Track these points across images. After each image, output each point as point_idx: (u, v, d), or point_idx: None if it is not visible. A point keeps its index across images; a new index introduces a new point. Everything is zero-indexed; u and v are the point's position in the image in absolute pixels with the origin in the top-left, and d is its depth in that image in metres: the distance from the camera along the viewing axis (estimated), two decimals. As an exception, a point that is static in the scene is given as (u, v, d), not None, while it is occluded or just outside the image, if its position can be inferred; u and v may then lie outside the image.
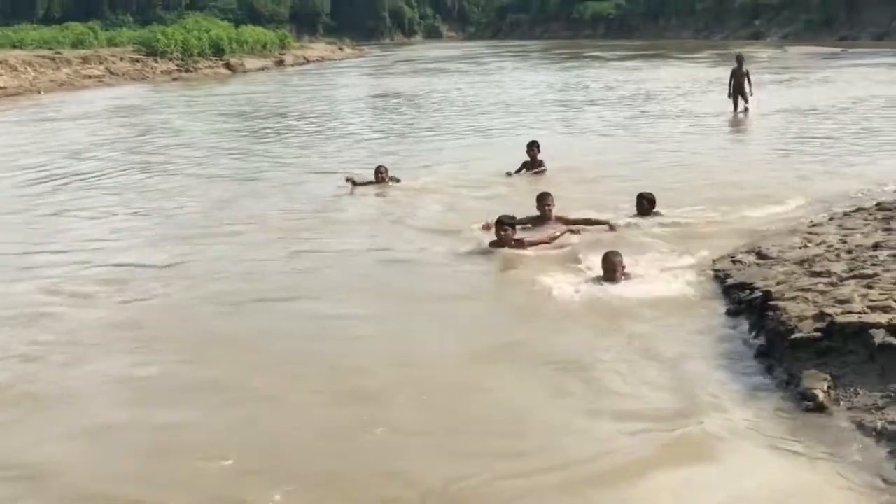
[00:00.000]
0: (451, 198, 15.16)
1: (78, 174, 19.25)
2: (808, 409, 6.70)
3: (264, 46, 67.83)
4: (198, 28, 61.26)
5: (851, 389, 6.76)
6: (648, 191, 12.88)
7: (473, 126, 25.85)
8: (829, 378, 6.89)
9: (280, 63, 66.16)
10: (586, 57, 62.01)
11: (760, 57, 52.59)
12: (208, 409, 7.21)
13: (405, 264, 11.42)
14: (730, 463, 6.11)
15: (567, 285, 9.88)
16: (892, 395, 6.52)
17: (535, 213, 12.35)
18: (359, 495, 5.87)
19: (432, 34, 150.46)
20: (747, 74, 25.46)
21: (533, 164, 16.74)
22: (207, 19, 70.51)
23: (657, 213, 12.66)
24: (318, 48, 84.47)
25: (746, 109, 25.23)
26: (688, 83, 37.45)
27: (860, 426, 6.36)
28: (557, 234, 11.66)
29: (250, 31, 68.90)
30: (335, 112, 31.44)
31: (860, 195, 14.16)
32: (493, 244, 11.41)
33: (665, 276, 10.21)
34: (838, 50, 56.87)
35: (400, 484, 5.99)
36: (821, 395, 6.74)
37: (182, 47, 57.05)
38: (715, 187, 15.19)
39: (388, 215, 14.26)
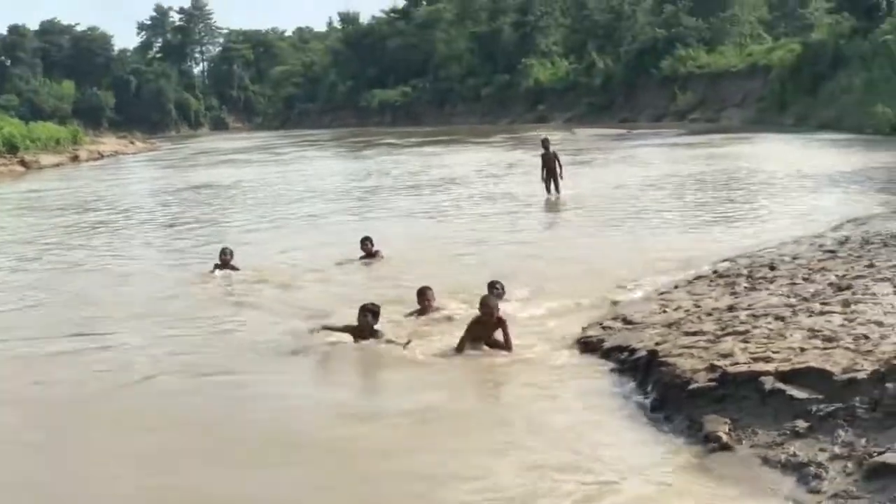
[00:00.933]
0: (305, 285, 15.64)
1: None
2: (713, 450, 7.62)
3: (57, 142, 66.58)
4: (-11, 126, 59.85)
5: (750, 430, 7.73)
6: (494, 279, 12.84)
7: (294, 214, 26.35)
8: (728, 421, 7.84)
9: (75, 158, 65.01)
10: (382, 144, 63.33)
11: (553, 139, 54.71)
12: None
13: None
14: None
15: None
16: (788, 432, 7.49)
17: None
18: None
19: (219, 125, 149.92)
20: (556, 157, 26.12)
21: (369, 256, 17.05)
22: (-1, 117, 68.89)
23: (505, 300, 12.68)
24: (110, 143, 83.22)
25: (558, 191, 26.00)
26: (492, 167, 38.86)
27: (765, 460, 7.31)
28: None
29: (42, 128, 67.60)
30: (155, 204, 31.38)
31: (689, 263, 15.29)
32: (352, 331, 11.31)
33: (543, 346, 11.08)
34: (624, 131, 59.93)
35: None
36: (724, 436, 7.68)
37: (-28, 146, 55.63)
38: (554, 266, 16.10)
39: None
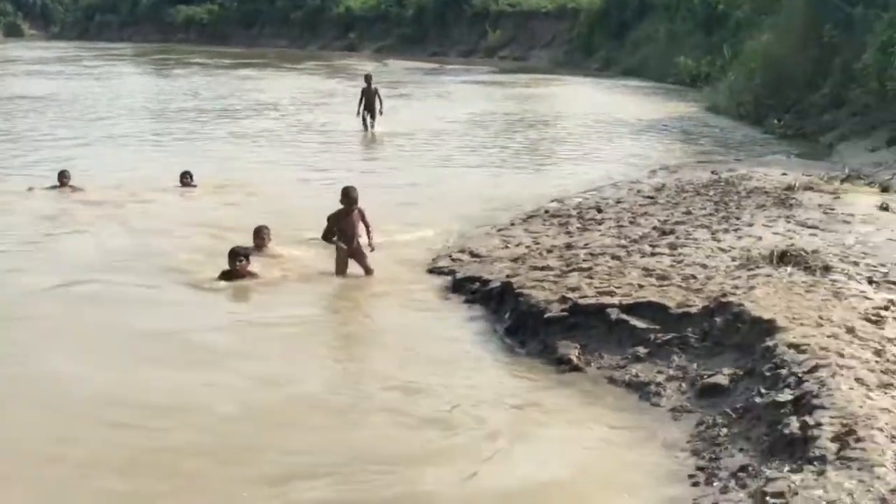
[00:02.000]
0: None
1: None
2: (564, 371, 8.84)
3: None
4: None
5: (597, 354, 8.99)
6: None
7: (115, 132, 26.40)
8: (578, 346, 9.07)
9: None
10: (192, 63, 62.54)
11: (365, 69, 55.41)
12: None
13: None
14: (512, 414, 8.04)
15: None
16: (630, 356, 8.78)
17: None
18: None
19: (13, 32, 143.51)
20: (377, 93, 26.62)
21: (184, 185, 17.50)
22: None
23: None
24: None
25: (373, 127, 26.44)
26: (309, 95, 39.26)
27: (611, 380, 8.59)
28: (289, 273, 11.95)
29: None
30: None
31: (513, 202, 16.50)
32: (224, 276, 11.47)
33: (396, 273, 12.14)
34: (436, 66, 60.82)
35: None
36: (575, 359, 8.92)
37: None
38: (387, 200, 16.83)
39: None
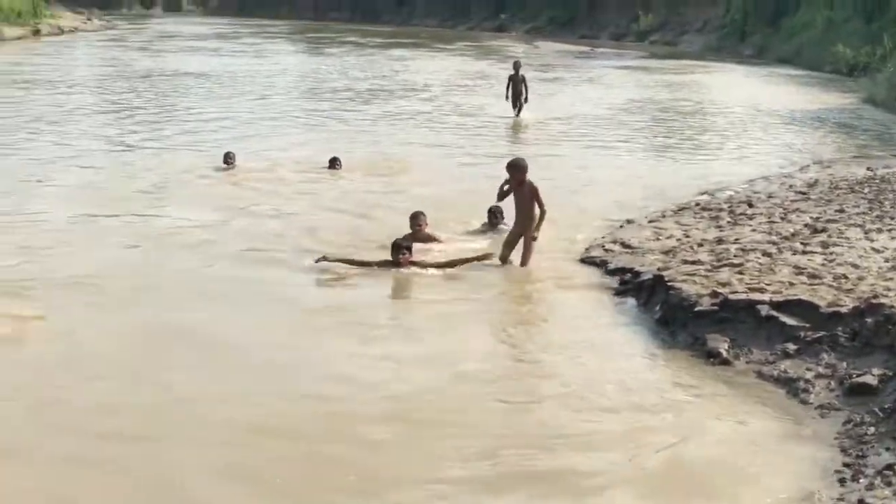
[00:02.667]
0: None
1: None
2: (713, 364, 9.11)
3: (19, 14, 66.27)
4: (-47, -6, 59.69)
5: (746, 349, 9.23)
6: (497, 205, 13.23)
7: (282, 111, 27.48)
8: (728, 340, 9.33)
9: (37, 32, 64.84)
10: (346, 42, 63.69)
11: (515, 52, 55.73)
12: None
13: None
14: (666, 401, 8.35)
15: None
16: (779, 352, 9.00)
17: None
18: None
19: (172, 6, 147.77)
20: (524, 80, 26.63)
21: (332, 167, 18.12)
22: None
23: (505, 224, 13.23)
24: (67, 17, 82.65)
25: (519, 113, 26.39)
26: (459, 76, 39.81)
27: (759, 374, 8.83)
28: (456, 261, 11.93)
29: (4, -1, 67.26)
30: (150, 93, 31.64)
31: (664, 194, 16.70)
32: (383, 264, 11.63)
33: (551, 265, 12.49)
34: (587, 49, 60.80)
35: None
36: (724, 352, 9.17)
37: (-62, 14, 55.50)
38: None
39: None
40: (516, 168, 12.08)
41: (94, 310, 10.19)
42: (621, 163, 20.55)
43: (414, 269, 11.60)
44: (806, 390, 8.36)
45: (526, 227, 12.09)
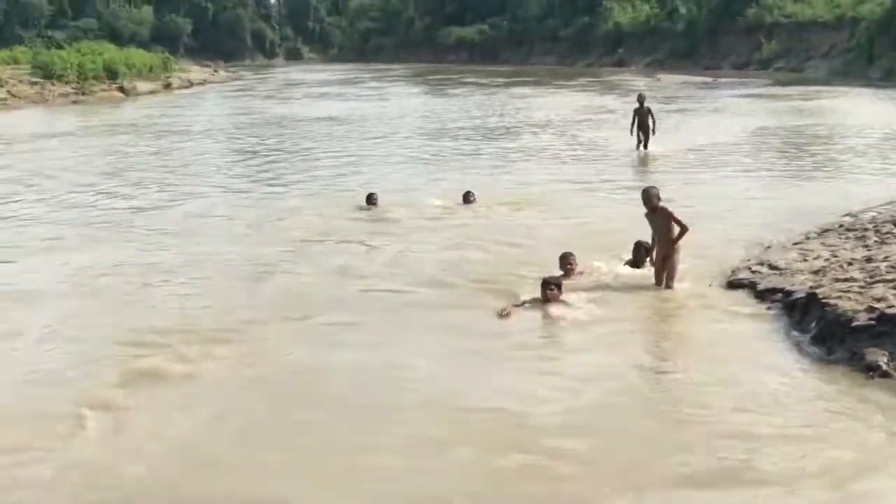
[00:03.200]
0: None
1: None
2: (873, 377, 9.18)
3: (150, 69, 68.67)
4: (92, 52, 62.05)
5: (906, 362, 9.28)
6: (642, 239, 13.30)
7: (412, 151, 28.14)
8: (887, 353, 9.39)
9: (168, 86, 67.14)
10: (467, 83, 64.51)
11: (637, 85, 55.83)
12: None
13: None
14: (830, 412, 8.51)
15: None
16: (940, 364, 9.05)
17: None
18: None
19: (293, 56, 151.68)
20: (650, 112, 26.54)
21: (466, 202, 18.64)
22: (99, 44, 71.00)
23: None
24: (196, 70, 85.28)
25: (646, 147, 26.34)
26: (583, 112, 40.06)
27: (921, 386, 8.88)
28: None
29: (137, 54, 69.80)
30: (296, 137, 32.74)
31: (802, 216, 16.65)
32: (534, 301, 11.79)
33: (700, 287, 12.63)
34: (709, 79, 60.57)
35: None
36: (884, 365, 9.24)
37: (77, 71, 57.74)
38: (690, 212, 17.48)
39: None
40: (648, 196, 12.42)
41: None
42: (759, 187, 20.64)
43: (563, 304, 11.67)
44: (973, 399, 8.39)
45: (668, 251, 12.30)
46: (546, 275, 12.15)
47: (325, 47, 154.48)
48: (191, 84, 72.53)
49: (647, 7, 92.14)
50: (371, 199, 18.55)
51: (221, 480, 7.51)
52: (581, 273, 12.96)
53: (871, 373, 9.24)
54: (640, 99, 27.12)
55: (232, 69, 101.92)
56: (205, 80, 78.12)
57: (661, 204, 12.44)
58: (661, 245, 12.50)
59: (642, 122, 26.54)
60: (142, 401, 9.07)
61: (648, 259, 13.03)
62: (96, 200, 20.57)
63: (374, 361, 10.09)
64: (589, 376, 9.44)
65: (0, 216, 18.82)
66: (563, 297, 11.73)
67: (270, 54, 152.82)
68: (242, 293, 12.98)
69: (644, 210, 12.54)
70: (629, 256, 13.54)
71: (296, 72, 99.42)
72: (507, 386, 9.23)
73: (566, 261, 12.89)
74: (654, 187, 12.74)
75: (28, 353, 10.61)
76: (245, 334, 11.01)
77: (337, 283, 13.37)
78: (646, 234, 12.97)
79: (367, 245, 15.61)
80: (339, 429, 8.39)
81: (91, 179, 23.45)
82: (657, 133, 26.66)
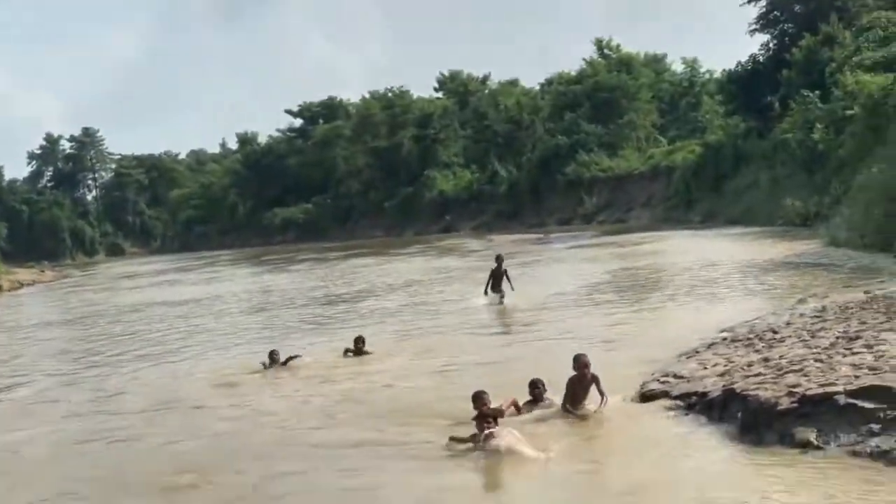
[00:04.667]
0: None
1: None
2: (806, 451, 10.13)
3: (-27, 273, 67.55)
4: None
5: (832, 435, 10.27)
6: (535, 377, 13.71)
7: (282, 320, 28.45)
8: (815, 430, 10.36)
9: (-1, 289, 65.93)
10: (307, 259, 65.16)
11: (472, 247, 57.58)
12: None
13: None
14: (783, 487, 9.39)
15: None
16: (865, 433, 10.05)
17: None
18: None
19: (115, 251, 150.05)
20: (506, 272, 27.10)
21: (358, 352, 19.47)
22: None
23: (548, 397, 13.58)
24: (22, 272, 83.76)
25: (501, 298, 26.70)
26: (431, 273, 41.18)
27: (853, 453, 9.85)
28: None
29: (-39, 260, 68.58)
30: (151, 321, 32.74)
31: (677, 340, 17.74)
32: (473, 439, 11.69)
33: (615, 404, 13.36)
34: (541, 235, 62.89)
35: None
36: (814, 440, 10.20)
37: None
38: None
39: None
40: (578, 362, 12.96)
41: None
42: (628, 318, 21.79)
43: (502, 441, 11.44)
44: (902, 458, 9.37)
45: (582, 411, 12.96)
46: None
47: (148, 240, 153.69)
48: (21, 285, 71.24)
49: (468, 173, 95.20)
50: (273, 356, 19.04)
51: None
52: (497, 410, 12.55)
53: (803, 449, 10.16)
54: (499, 259, 27.69)
55: (57, 269, 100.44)
56: (34, 281, 76.78)
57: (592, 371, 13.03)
58: (576, 403, 12.98)
59: (496, 281, 27.07)
60: None
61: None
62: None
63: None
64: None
65: None
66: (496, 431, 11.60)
67: (91, 252, 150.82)
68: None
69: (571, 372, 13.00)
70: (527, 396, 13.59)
71: (122, 266, 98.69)
72: None
73: (481, 400, 12.57)
74: (584, 355, 13.13)
75: None
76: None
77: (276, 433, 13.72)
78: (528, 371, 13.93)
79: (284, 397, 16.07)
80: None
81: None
82: (514, 290, 27.05)
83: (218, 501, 11.08)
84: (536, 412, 13.28)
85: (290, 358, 19.07)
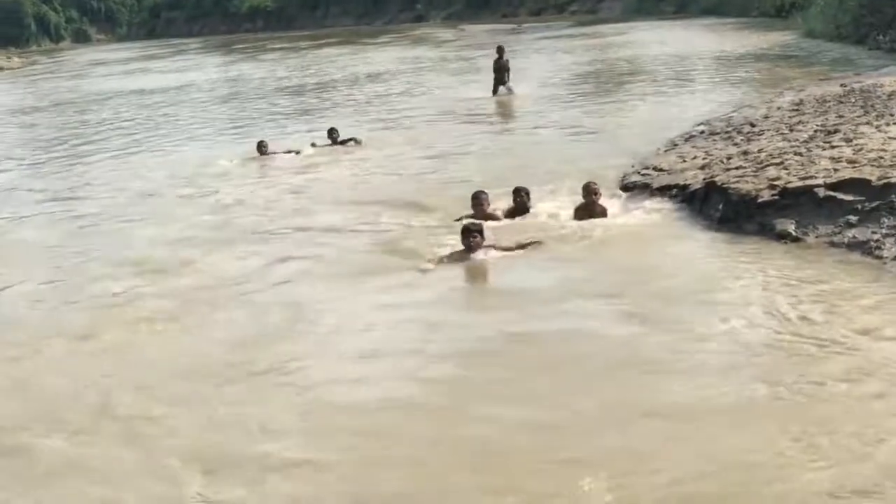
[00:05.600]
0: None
1: None
2: (786, 242, 10.50)
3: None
4: None
5: (811, 226, 10.64)
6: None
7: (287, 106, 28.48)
8: (794, 222, 10.72)
9: (-36, 76, 65.26)
10: (277, 49, 64.30)
11: (444, 37, 57.03)
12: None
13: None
14: (764, 280, 9.70)
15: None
16: (843, 224, 10.42)
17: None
18: None
19: (81, 38, 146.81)
20: (506, 64, 26.35)
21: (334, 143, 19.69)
22: None
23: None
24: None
25: (510, 90, 26.03)
26: (406, 63, 40.96)
27: (831, 244, 10.25)
28: (524, 242, 11.29)
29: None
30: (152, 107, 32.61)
31: (661, 131, 17.97)
32: (458, 255, 10.95)
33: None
34: (514, 26, 62.21)
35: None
36: (793, 231, 10.57)
37: None
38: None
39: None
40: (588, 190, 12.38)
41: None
42: (610, 111, 22.00)
43: (489, 253, 10.95)
44: (878, 247, 9.78)
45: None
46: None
47: (114, 27, 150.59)
48: (-10, 72, 70.53)
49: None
50: (261, 147, 19.32)
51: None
52: (493, 214, 12.47)
53: (783, 240, 10.54)
54: (500, 50, 26.67)
55: (24, 56, 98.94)
56: (1, 68, 75.91)
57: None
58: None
59: (500, 72, 26.34)
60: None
61: None
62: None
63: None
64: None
65: None
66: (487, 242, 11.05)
67: (56, 38, 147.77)
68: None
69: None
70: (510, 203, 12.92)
71: (91, 53, 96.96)
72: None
73: (479, 200, 12.38)
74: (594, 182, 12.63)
75: None
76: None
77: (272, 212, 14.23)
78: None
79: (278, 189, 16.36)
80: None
81: None
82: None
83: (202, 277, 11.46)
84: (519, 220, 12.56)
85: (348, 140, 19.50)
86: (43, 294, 11.33)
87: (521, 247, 11.18)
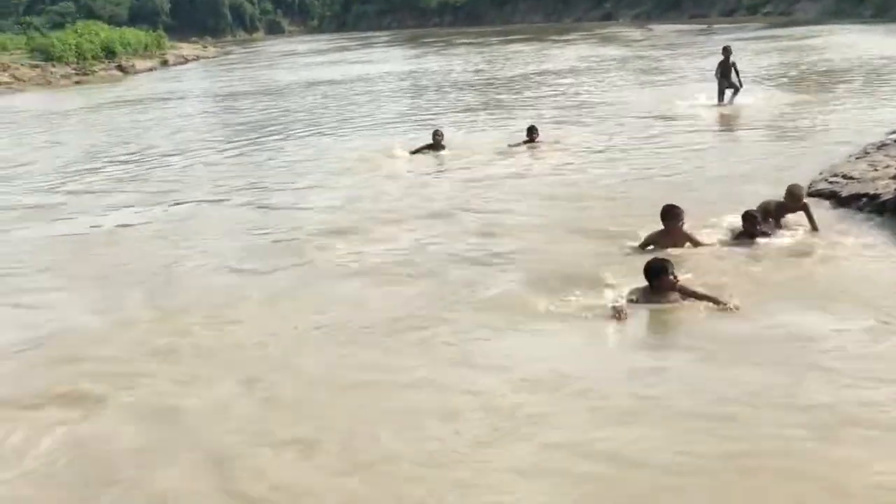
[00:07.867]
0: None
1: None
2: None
3: (146, 47, 69.27)
4: (88, 32, 62.48)
5: None
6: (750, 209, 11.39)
7: (457, 104, 28.74)
8: None
9: (165, 63, 67.65)
10: (463, 43, 64.85)
11: (633, 37, 56.50)
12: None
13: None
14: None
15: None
16: None
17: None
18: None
19: (274, 29, 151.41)
20: (734, 66, 24.25)
21: (531, 142, 19.19)
22: (95, 24, 71.34)
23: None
24: (187, 48, 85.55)
25: (736, 92, 24.12)
26: (598, 62, 40.77)
27: None
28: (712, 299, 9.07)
29: (132, 34, 70.27)
30: (344, 98, 33.29)
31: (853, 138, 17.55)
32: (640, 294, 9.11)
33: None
34: (704, 26, 61.27)
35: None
36: None
37: (76, 52, 58.16)
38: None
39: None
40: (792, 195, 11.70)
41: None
42: (812, 113, 21.67)
43: (676, 298, 9.07)
44: None
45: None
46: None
47: (305, 19, 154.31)
48: (186, 60, 73.02)
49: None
50: (436, 136, 19.39)
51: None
52: (691, 236, 11.00)
53: None
54: (726, 51, 24.52)
55: (219, 45, 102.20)
56: (198, 56, 78.54)
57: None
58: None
59: (726, 73, 24.35)
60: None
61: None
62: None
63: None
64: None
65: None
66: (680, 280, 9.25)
67: (251, 29, 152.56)
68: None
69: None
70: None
71: (282, 44, 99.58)
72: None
73: (675, 216, 10.89)
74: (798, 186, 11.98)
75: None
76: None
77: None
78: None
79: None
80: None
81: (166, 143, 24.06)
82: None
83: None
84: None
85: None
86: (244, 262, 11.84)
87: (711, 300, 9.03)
